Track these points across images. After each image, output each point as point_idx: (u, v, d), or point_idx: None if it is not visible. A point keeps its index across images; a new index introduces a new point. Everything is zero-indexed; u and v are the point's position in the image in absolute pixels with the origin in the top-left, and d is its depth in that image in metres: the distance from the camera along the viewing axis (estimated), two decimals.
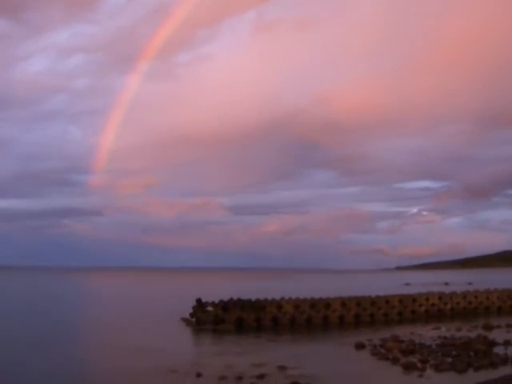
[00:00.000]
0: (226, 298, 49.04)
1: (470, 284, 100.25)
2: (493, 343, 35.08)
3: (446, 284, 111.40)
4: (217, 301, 48.37)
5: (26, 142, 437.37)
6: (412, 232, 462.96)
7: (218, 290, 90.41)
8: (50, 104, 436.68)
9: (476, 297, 60.13)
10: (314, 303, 49.58)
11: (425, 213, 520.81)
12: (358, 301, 51.74)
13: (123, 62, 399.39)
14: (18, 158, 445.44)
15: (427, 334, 41.49)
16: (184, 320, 50.71)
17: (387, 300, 53.49)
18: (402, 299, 54.65)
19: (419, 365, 28.64)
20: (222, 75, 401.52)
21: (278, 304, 48.40)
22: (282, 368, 28.14)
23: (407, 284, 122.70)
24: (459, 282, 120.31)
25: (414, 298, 55.63)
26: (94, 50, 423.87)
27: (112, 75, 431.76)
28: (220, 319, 46.59)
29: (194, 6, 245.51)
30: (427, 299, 56.37)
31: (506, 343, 35.49)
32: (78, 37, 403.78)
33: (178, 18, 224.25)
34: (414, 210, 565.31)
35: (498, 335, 39.08)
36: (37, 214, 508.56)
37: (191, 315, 50.13)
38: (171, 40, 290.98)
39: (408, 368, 27.99)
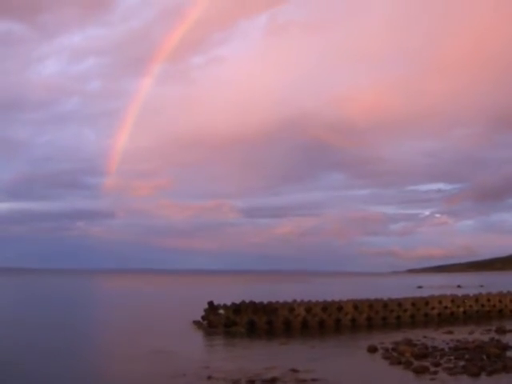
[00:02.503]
0: (237, 300, 49.01)
1: (482, 286, 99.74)
2: (506, 347, 34.82)
3: (459, 287, 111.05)
4: (229, 303, 48.38)
5: (40, 144, 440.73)
6: (424, 234, 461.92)
7: (230, 293, 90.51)
8: (64, 106, 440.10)
9: (489, 300, 59.78)
10: (326, 306, 49.48)
11: (437, 215, 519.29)
12: (371, 303, 51.59)
13: (137, 64, 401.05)
14: (31, 160, 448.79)
15: (440, 337, 41.28)
16: (196, 323, 50.75)
17: (400, 303, 53.30)
18: (414, 302, 54.44)
19: (432, 368, 28.52)
20: (235, 77, 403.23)
21: (290, 307, 48.33)
22: (293, 371, 28.08)
23: (420, 287, 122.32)
24: (472, 284, 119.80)
25: (426, 301, 55.40)
26: (107, 53, 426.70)
27: (125, 77, 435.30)
28: (232, 322, 46.59)
29: (207, 9, 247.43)
30: (440, 302, 56.11)
31: None
32: (92, 39, 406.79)
33: (191, 21, 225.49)
34: (427, 212, 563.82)
35: (511, 339, 38.84)
36: (50, 217, 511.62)
37: (203, 318, 50.20)
38: (184, 42, 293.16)
39: (420, 372, 27.89)
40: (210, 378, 26.76)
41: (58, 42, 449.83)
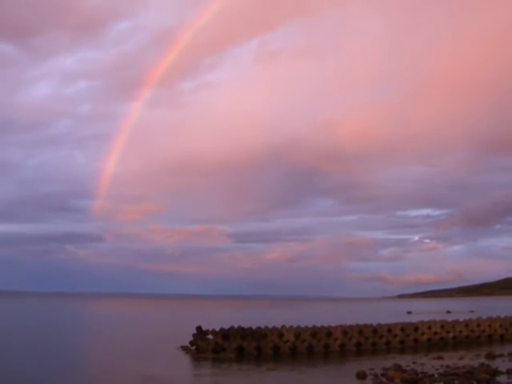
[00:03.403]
0: (226, 325, 48.65)
1: (472, 312, 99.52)
2: (496, 372, 34.65)
3: (448, 312, 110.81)
4: (217, 329, 48.00)
5: (30, 166, 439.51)
6: (414, 260, 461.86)
7: (219, 318, 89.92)
8: (55, 129, 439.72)
9: (478, 325, 59.63)
10: (315, 331, 49.18)
11: (426, 240, 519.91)
12: (360, 329, 51.31)
13: (127, 88, 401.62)
14: (21, 183, 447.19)
15: (430, 362, 41.05)
16: (184, 348, 50.28)
17: (389, 328, 53.04)
18: (404, 327, 54.20)
19: None
20: (225, 103, 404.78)
21: (279, 332, 47.99)
22: None
23: (409, 312, 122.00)
24: (461, 309, 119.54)
25: (416, 327, 55.17)
26: (98, 76, 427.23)
27: (116, 101, 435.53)
28: (220, 347, 46.21)
29: (197, 34, 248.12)
30: (429, 327, 55.89)
31: (509, 372, 35.07)
32: (83, 62, 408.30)
33: (182, 46, 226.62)
34: (416, 237, 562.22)
35: (501, 364, 38.68)
36: (39, 239, 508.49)
37: (191, 343, 49.75)
38: (175, 67, 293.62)
39: None
40: None
41: (50, 64, 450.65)
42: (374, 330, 51.97)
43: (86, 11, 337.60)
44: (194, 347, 48.93)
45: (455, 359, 42.79)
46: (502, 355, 44.68)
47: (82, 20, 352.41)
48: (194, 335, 49.60)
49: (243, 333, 47.14)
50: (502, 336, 60.11)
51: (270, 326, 49.55)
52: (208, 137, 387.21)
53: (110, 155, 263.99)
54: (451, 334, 56.95)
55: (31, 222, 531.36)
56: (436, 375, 34.54)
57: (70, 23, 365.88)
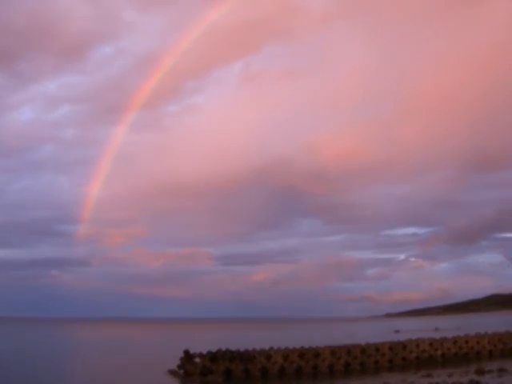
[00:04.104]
0: (214, 348, 48.28)
1: (459, 329, 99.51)
2: None
3: (436, 330, 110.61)
4: (205, 352, 47.61)
5: (14, 191, 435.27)
6: (400, 278, 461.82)
7: (206, 341, 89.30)
8: (38, 153, 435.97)
9: (467, 342, 59.61)
10: (303, 353, 48.93)
11: (412, 259, 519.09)
12: (348, 349, 51.11)
13: (111, 112, 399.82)
14: (4, 208, 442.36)
15: (419, 380, 40.93)
16: (171, 372, 49.80)
17: (377, 347, 52.88)
18: (392, 346, 54.06)
19: None
20: (209, 125, 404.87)
21: (267, 354, 47.69)
22: None
23: (397, 331, 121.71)
24: (449, 327, 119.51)
25: (404, 345, 55.05)
26: (81, 100, 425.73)
27: (100, 125, 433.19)
28: (208, 370, 45.81)
29: (181, 58, 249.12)
30: (418, 345, 55.79)
31: None
32: (67, 87, 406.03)
33: (165, 69, 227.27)
34: (402, 256, 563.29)
35: (490, 380, 38.69)
36: (24, 265, 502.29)
37: (179, 367, 49.26)
38: (159, 91, 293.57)
39: None
40: None
41: (34, 89, 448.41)
42: (363, 349, 51.78)
43: (70, 36, 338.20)
44: (181, 371, 48.47)
45: (444, 376, 42.69)
46: (491, 371, 44.70)
47: (66, 45, 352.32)
48: (181, 359, 49.13)
49: (231, 355, 46.81)
50: (490, 352, 60.12)
51: (258, 348, 49.26)
52: (193, 159, 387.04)
53: (94, 179, 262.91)
54: (440, 352, 56.87)
55: (15, 247, 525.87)
56: None
57: (54, 48, 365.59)
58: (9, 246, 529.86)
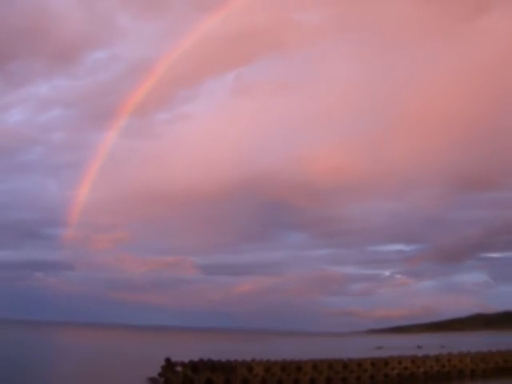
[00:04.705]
0: (195, 358, 47.96)
1: (442, 347, 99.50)
2: None
3: (419, 347, 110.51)
4: (186, 361, 47.30)
5: (1, 191, 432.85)
6: (385, 295, 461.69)
7: (188, 350, 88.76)
8: (27, 155, 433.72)
9: (449, 360, 59.53)
10: (284, 365, 48.69)
11: (398, 276, 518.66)
12: (330, 363, 50.91)
13: (102, 117, 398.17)
14: None
15: None
16: (151, 380, 49.40)
17: (359, 363, 52.70)
18: (374, 362, 53.89)
19: None
20: (199, 135, 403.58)
21: (249, 366, 47.41)
22: None
23: (379, 347, 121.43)
24: (432, 345, 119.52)
25: (386, 362, 54.89)
26: (72, 104, 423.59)
27: (90, 130, 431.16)
28: (189, 380, 45.50)
29: (174, 66, 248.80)
30: (400, 362, 55.63)
31: None
32: (58, 90, 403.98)
33: (158, 77, 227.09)
34: (387, 272, 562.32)
35: None
36: (8, 266, 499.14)
37: (159, 375, 48.87)
38: (150, 98, 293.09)
39: None
40: None
41: (25, 91, 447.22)
42: (345, 364, 51.59)
43: (63, 39, 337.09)
44: (162, 379, 48.10)
45: None
46: None
47: (59, 48, 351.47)
48: (162, 367, 48.75)
49: (212, 365, 46.53)
50: (472, 371, 60.07)
51: (240, 359, 48.98)
52: (181, 168, 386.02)
53: (82, 184, 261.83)
54: (422, 369, 56.73)
55: (0, 248, 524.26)
56: None
57: (47, 51, 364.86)
58: None
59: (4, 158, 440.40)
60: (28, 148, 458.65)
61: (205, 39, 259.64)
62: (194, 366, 46.28)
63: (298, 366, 48.95)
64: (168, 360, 48.59)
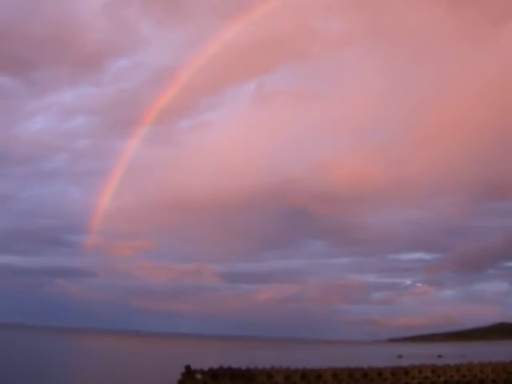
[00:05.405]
0: (215, 365, 48.12)
1: (463, 357, 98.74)
2: None
3: (440, 356, 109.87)
4: (206, 368, 47.45)
5: (24, 198, 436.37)
6: (406, 303, 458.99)
7: (208, 358, 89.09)
8: (50, 163, 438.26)
9: (470, 370, 59.05)
10: (304, 374, 48.66)
11: (419, 284, 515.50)
12: (350, 372, 50.82)
13: (125, 124, 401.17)
14: (14, 215, 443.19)
15: None
16: None
17: (379, 372, 52.54)
18: (394, 371, 53.69)
19: None
20: (221, 143, 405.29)
21: (268, 374, 47.46)
22: None
23: (400, 356, 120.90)
24: (453, 354, 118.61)
25: (406, 371, 54.65)
26: (96, 112, 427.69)
27: (113, 137, 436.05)
28: None
29: (196, 74, 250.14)
30: (420, 371, 55.35)
31: None
32: (82, 98, 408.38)
33: (180, 85, 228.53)
34: (408, 281, 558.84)
35: None
36: (30, 272, 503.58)
37: (179, 382, 49.05)
38: (173, 106, 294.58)
39: None
40: None
41: (49, 98, 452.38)
42: (365, 373, 51.48)
43: (87, 47, 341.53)
44: None
45: None
46: None
47: (83, 56, 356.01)
48: (182, 374, 48.94)
49: (232, 373, 46.62)
50: (493, 381, 59.50)
51: (260, 367, 49.05)
52: (203, 176, 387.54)
53: (104, 191, 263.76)
54: (442, 379, 56.39)
55: (23, 254, 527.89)
56: None
57: (71, 59, 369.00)
58: (16, 253, 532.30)
59: (28, 166, 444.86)
60: (51, 155, 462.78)
61: (227, 47, 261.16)
62: (214, 374, 46.41)
63: (317, 375, 48.91)
64: (188, 367, 48.75)
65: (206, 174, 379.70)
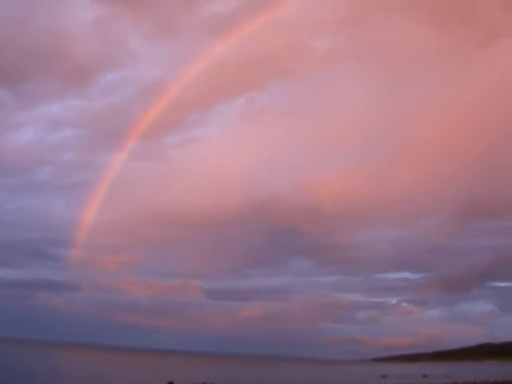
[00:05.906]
0: (199, 382, 47.65)
1: (448, 376, 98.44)
2: None
3: (424, 376, 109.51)
4: None
5: (9, 210, 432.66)
6: (390, 323, 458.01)
7: (191, 374, 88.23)
8: (37, 175, 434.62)
9: None
10: None
11: (404, 304, 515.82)
12: None
13: (112, 138, 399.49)
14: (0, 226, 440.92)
15: None
16: None
17: None
18: None
19: None
20: (209, 158, 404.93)
21: None
22: None
23: (384, 376, 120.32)
24: (438, 374, 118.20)
25: None
26: (84, 125, 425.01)
27: (100, 151, 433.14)
28: None
29: (185, 90, 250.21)
30: None
31: None
32: (70, 110, 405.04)
33: (169, 100, 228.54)
34: (393, 300, 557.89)
35: None
36: (12, 284, 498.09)
37: None
38: (161, 121, 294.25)
39: None
40: None
41: (37, 110, 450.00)
42: None
43: (76, 60, 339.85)
44: None
45: None
46: None
47: (72, 69, 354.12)
48: None
49: None
50: None
51: None
52: (189, 191, 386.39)
53: (90, 205, 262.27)
54: None
55: (6, 266, 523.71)
56: None
57: (60, 71, 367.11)
58: (0, 265, 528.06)
59: (13, 177, 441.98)
60: (37, 167, 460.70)
61: (216, 64, 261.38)
62: None
63: None
64: (170, 383, 48.29)
65: (193, 189, 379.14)
